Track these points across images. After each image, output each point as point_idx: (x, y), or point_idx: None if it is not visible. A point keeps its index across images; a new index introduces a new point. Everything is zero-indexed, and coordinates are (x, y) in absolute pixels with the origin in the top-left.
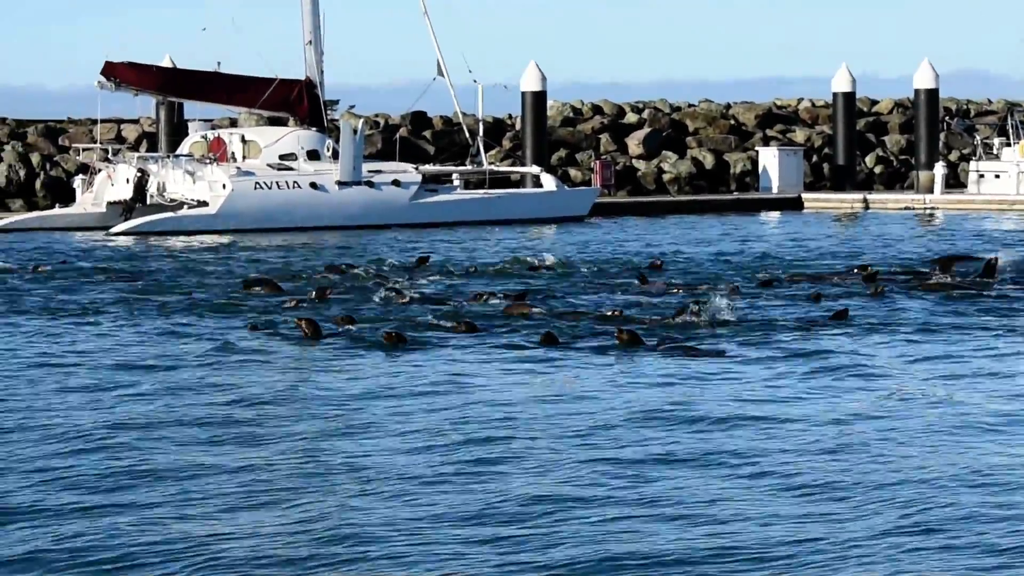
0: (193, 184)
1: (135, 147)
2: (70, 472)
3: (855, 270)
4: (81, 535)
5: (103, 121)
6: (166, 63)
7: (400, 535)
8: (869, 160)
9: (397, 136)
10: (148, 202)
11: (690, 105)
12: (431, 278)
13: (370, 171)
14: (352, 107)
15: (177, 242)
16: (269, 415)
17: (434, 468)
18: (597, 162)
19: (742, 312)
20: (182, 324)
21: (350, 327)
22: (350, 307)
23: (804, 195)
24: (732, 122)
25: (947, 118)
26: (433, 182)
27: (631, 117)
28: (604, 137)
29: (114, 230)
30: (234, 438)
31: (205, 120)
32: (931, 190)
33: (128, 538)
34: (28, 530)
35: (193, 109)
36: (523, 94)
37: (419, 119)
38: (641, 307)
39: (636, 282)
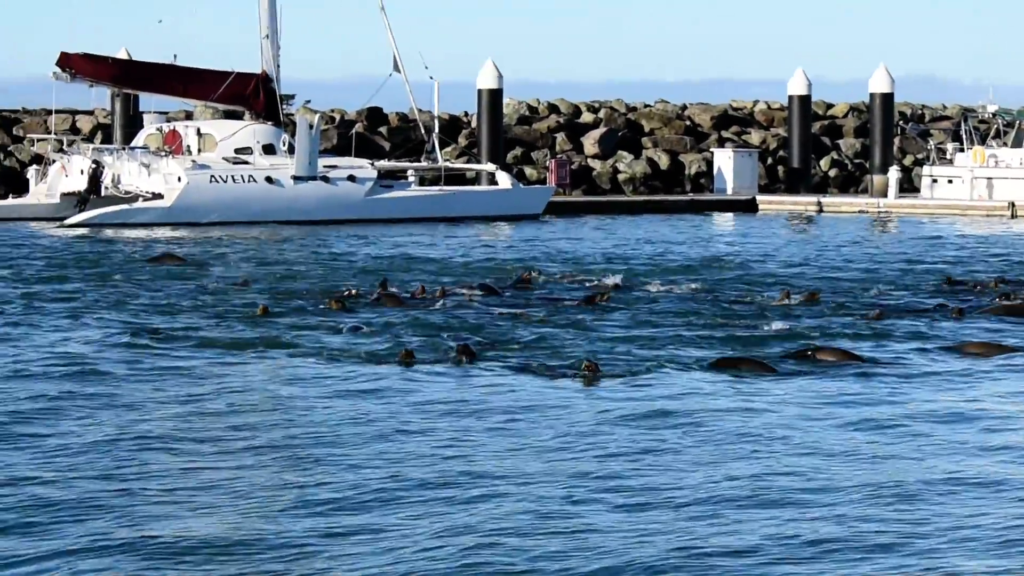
0: (148, 176)
1: (90, 138)
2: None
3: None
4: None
5: (58, 112)
6: (122, 55)
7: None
8: (824, 163)
9: (353, 132)
10: (103, 194)
11: (646, 105)
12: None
13: (325, 166)
14: (308, 102)
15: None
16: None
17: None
18: (552, 161)
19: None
20: None
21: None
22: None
23: (759, 197)
24: (688, 123)
25: (901, 122)
26: (388, 178)
27: (587, 116)
28: (560, 136)
29: (68, 222)
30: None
31: (160, 112)
32: (885, 194)
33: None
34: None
35: (148, 101)
36: (479, 91)
37: (375, 115)
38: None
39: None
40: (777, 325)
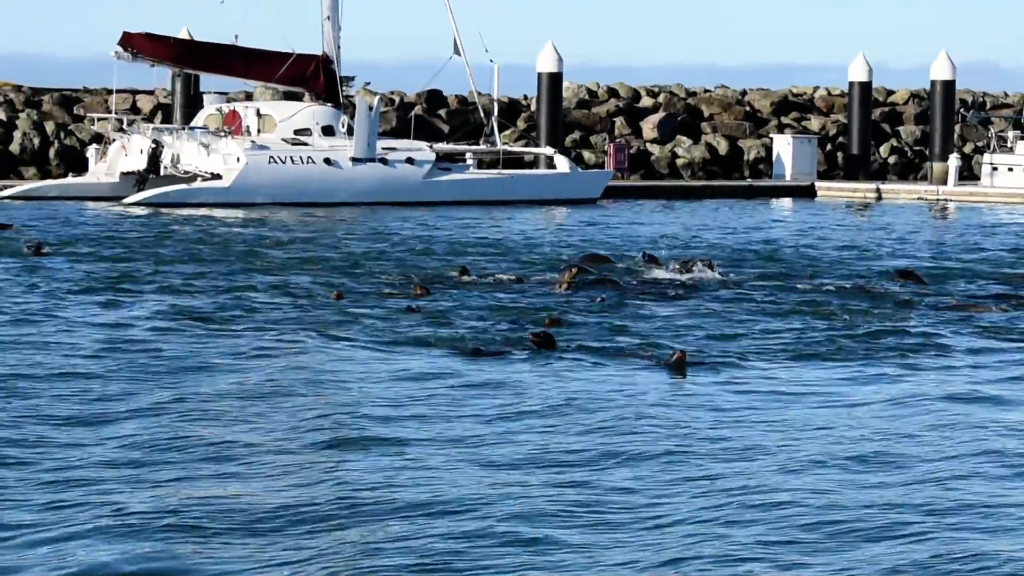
0: (207, 157)
1: (150, 118)
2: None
3: None
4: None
5: (119, 91)
6: (183, 35)
7: None
8: (883, 150)
9: (412, 114)
10: (162, 173)
11: (705, 90)
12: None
13: (384, 148)
14: (368, 84)
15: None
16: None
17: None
18: (611, 145)
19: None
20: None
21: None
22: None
23: (817, 183)
24: (747, 108)
25: (962, 110)
26: (447, 161)
27: (646, 101)
28: (619, 120)
29: (127, 201)
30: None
31: (220, 93)
32: (944, 182)
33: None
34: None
35: (209, 82)
36: (539, 75)
37: (434, 97)
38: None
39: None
40: (868, 314)
